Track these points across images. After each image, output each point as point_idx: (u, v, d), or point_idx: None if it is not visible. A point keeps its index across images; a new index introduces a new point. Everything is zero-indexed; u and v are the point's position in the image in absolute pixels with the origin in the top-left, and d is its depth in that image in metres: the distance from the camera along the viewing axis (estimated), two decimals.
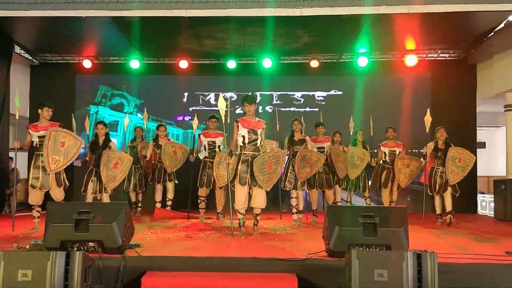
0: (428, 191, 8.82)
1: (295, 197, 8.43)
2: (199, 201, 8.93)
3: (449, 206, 8.52)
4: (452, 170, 8.41)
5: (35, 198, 7.26)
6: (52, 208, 5.24)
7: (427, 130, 8.96)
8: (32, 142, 7.33)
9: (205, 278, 4.63)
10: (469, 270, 4.73)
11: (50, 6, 8.07)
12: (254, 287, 4.54)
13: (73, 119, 8.89)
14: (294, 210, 8.45)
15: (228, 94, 11.89)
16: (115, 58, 11.96)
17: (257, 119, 6.97)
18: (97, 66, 11.88)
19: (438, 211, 8.74)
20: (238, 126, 6.84)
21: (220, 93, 7.78)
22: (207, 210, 9.15)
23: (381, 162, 9.58)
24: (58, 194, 7.30)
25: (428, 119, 8.91)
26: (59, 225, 4.96)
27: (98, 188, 7.94)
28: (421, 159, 9.13)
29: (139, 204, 9.81)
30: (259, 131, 6.86)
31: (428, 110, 9.00)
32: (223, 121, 7.32)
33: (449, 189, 8.51)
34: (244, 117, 6.95)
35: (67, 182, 7.47)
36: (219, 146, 8.78)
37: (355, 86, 11.78)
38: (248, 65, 11.84)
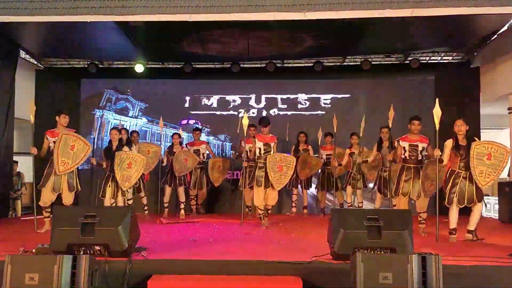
0: (446, 202, 6.75)
1: (296, 194, 10.51)
2: (190, 199, 10.51)
3: (473, 223, 6.77)
4: (481, 171, 6.43)
5: (45, 198, 7.45)
6: (58, 212, 5.29)
7: (437, 126, 6.93)
8: (49, 147, 7.63)
9: (210, 281, 4.66)
10: (474, 272, 4.74)
11: (55, 11, 8.11)
12: None
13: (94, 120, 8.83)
14: (293, 205, 10.60)
15: (231, 98, 11.97)
16: (119, 62, 12.02)
17: (270, 135, 8.58)
18: (102, 71, 11.93)
19: (454, 225, 6.74)
20: (255, 141, 8.54)
21: (245, 112, 9.78)
22: (212, 212, 10.93)
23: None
24: (68, 198, 7.54)
25: (437, 112, 6.96)
26: (65, 229, 5.00)
27: (115, 192, 8.03)
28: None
29: (145, 208, 9.89)
30: (271, 144, 8.51)
31: (437, 100, 7.11)
32: (245, 135, 8.69)
33: (479, 204, 6.67)
34: (260, 133, 8.61)
35: (79, 187, 7.77)
36: (203, 154, 10.32)
37: (359, 89, 11.82)
38: (252, 69, 11.87)
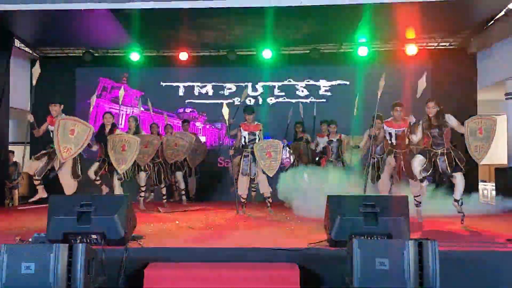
0: (413, 179, 7.01)
1: None
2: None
3: (459, 193, 6.74)
4: (476, 146, 6.54)
5: (33, 165, 7.55)
6: (54, 200, 5.27)
7: (418, 95, 7.29)
8: (47, 133, 7.66)
9: (207, 268, 4.66)
10: (471, 258, 4.75)
11: None
12: (256, 277, 4.57)
13: None
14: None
15: (227, 85, 11.94)
16: (115, 50, 11.96)
17: (255, 123, 8.53)
18: (97, 59, 11.86)
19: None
20: (240, 130, 8.48)
21: (224, 102, 9.54)
22: (206, 201, 10.80)
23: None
24: (71, 186, 7.50)
25: (422, 83, 7.31)
26: (61, 218, 4.99)
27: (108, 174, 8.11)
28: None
29: (164, 197, 9.83)
30: (257, 133, 8.46)
31: (425, 73, 7.44)
32: (227, 124, 8.83)
33: (459, 174, 6.67)
34: (245, 122, 8.49)
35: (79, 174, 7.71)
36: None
37: (355, 76, 11.74)
38: (248, 56, 11.82)
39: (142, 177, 9.09)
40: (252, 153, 8.27)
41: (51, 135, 7.49)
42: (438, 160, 6.76)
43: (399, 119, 7.62)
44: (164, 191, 9.79)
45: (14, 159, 11.36)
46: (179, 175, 10.17)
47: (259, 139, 8.44)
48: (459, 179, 6.70)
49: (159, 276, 4.60)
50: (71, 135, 7.20)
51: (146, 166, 9.10)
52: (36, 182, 7.68)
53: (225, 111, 8.60)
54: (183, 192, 10.26)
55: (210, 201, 10.84)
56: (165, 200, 9.82)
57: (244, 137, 8.45)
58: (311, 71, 11.95)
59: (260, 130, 8.51)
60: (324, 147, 9.93)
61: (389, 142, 7.71)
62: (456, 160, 6.70)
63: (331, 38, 11.24)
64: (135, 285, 4.63)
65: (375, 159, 8.43)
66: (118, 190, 8.33)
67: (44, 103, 8.52)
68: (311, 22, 9.91)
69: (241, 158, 8.49)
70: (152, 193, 10.02)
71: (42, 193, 7.62)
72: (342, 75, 11.90)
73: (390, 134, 7.68)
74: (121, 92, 9.22)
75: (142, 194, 9.24)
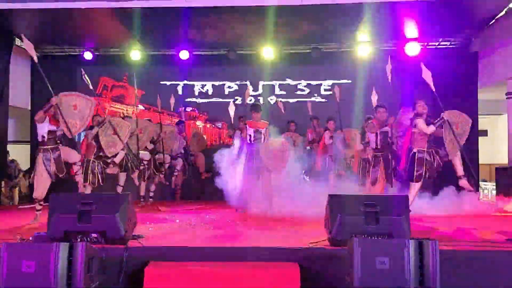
0: (412, 179, 7.20)
1: None
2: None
3: (460, 170, 7.15)
4: (450, 139, 6.98)
5: (40, 188, 7.10)
6: (55, 199, 5.26)
7: (389, 79, 7.90)
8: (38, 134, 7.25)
9: (207, 268, 4.66)
10: (471, 257, 4.74)
11: None
12: (257, 276, 4.56)
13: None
14: None
15: (227, 84, 11.93)
16: (116, 49, 11.93)
17: (261, 121, 8.37)
18: (98, 58, 11.84)
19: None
20: (246, 127, 8.33)
21: (224, 101, 9.88)
22: (206, 200, 10.84)
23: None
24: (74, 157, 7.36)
25: (389, 67, 7.97)
26: (62, 216, 4.98)
27: (100, 178, 8.00)
28: None
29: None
30: (262, 131, 8.27)
31: (389, 56, 7.88)
32: (232, 122, 9.25)
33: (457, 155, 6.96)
34: (251, 119, 8.34)
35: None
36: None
37: (356, 75, 11.72)
38: (249, 55, 11.80)
39: (136, 177, 9.17)
40: (258, 151, 8.14)
41: (41, 137, 7.14)
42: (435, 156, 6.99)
43: (382, 121, 7.79)
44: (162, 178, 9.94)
45: (12, 157, 11.34)
46: (178, 162, 10.20)
47: (264, 137, 8.30)
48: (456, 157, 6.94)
49: (159, 275, 4.59)
50: (74, 110, 7.00)
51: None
52: (38, 207, 7.13)
53: (232, 108, 8.79)
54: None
55: (210, 200, 10.83)
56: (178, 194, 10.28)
57: (250, 135, 8.29)
58: (312, 70, 11.93)
59: (266, 128, 8.38)
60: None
61: (374, 146, 7.87)
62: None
63: (332, 37, 11.22)
64: (135, 284, 4.63)
65: (367, 157, 8.31)
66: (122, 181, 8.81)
67: (44, 102, 8.50)
68: (312, 21, 9.90)
69: (246, 157, 8.34)
70: (150, 199, 10.00)
71: (39, 219, 7.22)
72: (346, 74, 11.87)
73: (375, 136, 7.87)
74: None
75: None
